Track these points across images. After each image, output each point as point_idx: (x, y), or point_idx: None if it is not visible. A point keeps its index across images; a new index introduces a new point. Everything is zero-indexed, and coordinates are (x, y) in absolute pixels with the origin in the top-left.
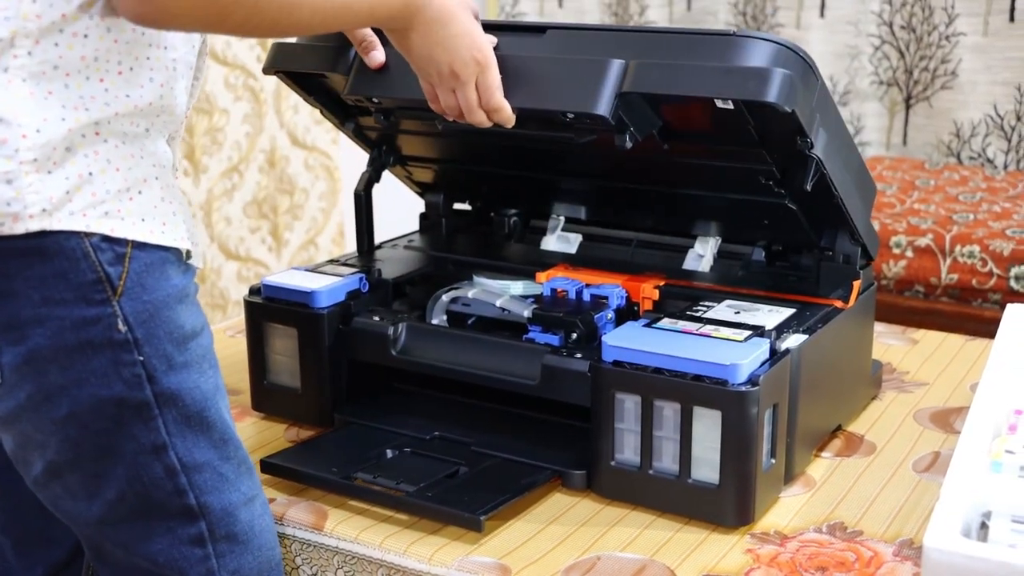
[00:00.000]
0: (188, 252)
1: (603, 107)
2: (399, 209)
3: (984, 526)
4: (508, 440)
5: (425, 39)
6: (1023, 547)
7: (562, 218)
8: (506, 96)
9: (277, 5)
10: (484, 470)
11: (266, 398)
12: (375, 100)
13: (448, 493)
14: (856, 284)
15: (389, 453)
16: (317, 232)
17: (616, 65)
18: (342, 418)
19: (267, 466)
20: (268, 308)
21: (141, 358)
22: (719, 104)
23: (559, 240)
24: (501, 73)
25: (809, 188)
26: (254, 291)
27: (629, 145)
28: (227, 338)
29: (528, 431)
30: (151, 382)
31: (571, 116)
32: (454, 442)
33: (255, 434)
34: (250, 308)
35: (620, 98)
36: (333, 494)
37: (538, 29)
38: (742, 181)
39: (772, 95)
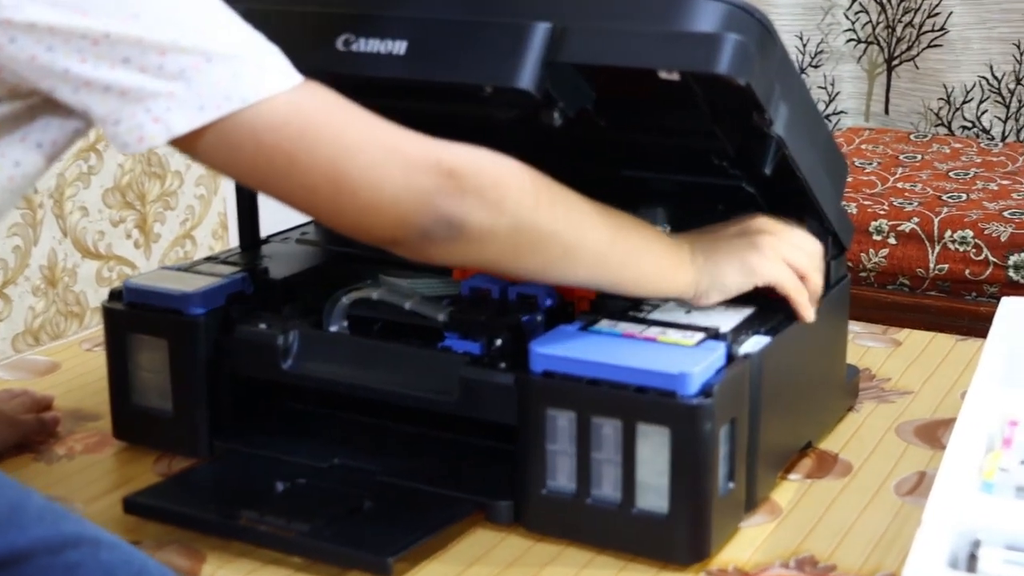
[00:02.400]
0: None
1: (526, 80)
2: None
3: (973, 556)
4: (421, 467)
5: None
6: None
7: None
8: (412, 66)
9: (590, 261)
10: (393, 504)
11: (131, 424)
12: None
13: (350, 532)
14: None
15: (280, 486)
16: (194, 224)
17: (541, 29)
18: (223, 446)
19: (132, 505)
20: (132, 316)
21: None
22: (663, 75)
23: None
24: (401, 37)
25: (769, 171)
26: (115, 295)
27: (559, 122)
28: (83, 352)
29: (445, 456)
30: None
31: (489, 90)
32: (357, 471)
33: (117, 467)
34: (111, 316)
35: (547, 68)
36: (213, 536)
37: None
38: (692, 162)
39: (723, 66)
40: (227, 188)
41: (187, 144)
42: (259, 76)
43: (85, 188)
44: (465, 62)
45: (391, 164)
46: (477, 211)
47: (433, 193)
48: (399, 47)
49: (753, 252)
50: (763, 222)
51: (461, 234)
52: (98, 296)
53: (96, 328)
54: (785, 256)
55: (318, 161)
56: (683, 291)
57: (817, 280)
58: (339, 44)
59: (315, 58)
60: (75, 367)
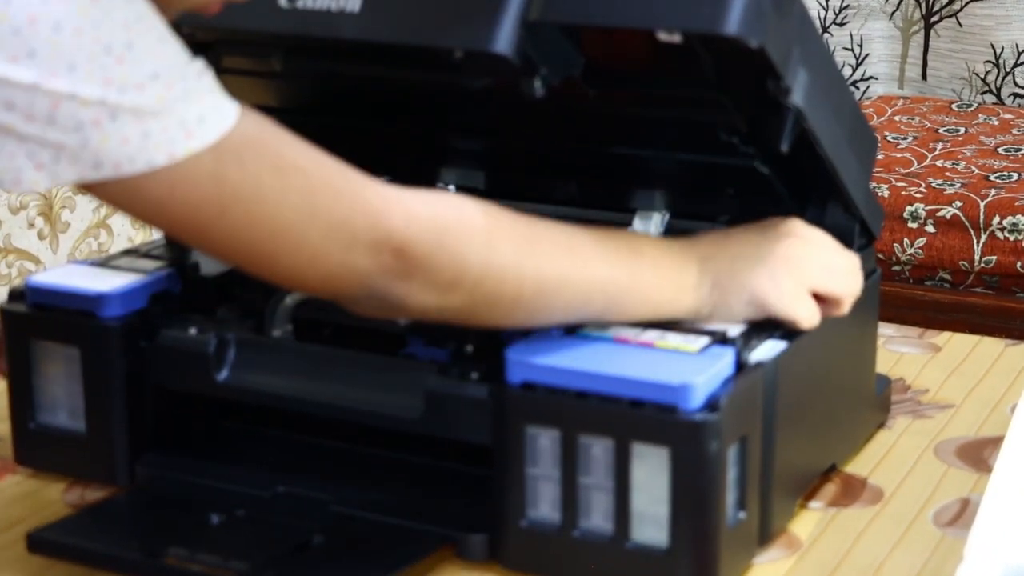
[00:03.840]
0: None
1: (502, 43)
2: None
3: None
4: (380, 496)
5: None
6: None
7: (452, 187)
8: (370, 25)
9: (568, 303)
10: (347, 538)
11: (36, 446)
12: (185, 31)
13: (297, 572)
14: None
15: (214, 518)
16: (109, 212)
17: None
18: (146, 471)
19: (38, 542)
20: (36, 319)
21: None
22: (662, 37)
23: None
24: None
25: (786, 148)
26: (16, 296)
27: (541, 92)
28: None
29: (408, 482)
30: None
31: (459, 55)
32: (305, 500)
33: (20, 498)
34: (10, 320)
35: (527, 29)
36: None
37: None
38: (696, 137)
39: (732, 26)
40: None
41: (86, 188)
42: (177, 135)
43: None
44: (430, 22)
45: (330, 244)
46: (420, 294)
47: (373, 275)
48: (352, 3)
49: (769, 283)
50: (792, 232)
51: (400, 311)
52: None
53: None
54: (812, 285)
55: (239, 239)
56: (681, 318)
57: (848, 306)
58: (282, 0)
59: (252, 17)
60: None
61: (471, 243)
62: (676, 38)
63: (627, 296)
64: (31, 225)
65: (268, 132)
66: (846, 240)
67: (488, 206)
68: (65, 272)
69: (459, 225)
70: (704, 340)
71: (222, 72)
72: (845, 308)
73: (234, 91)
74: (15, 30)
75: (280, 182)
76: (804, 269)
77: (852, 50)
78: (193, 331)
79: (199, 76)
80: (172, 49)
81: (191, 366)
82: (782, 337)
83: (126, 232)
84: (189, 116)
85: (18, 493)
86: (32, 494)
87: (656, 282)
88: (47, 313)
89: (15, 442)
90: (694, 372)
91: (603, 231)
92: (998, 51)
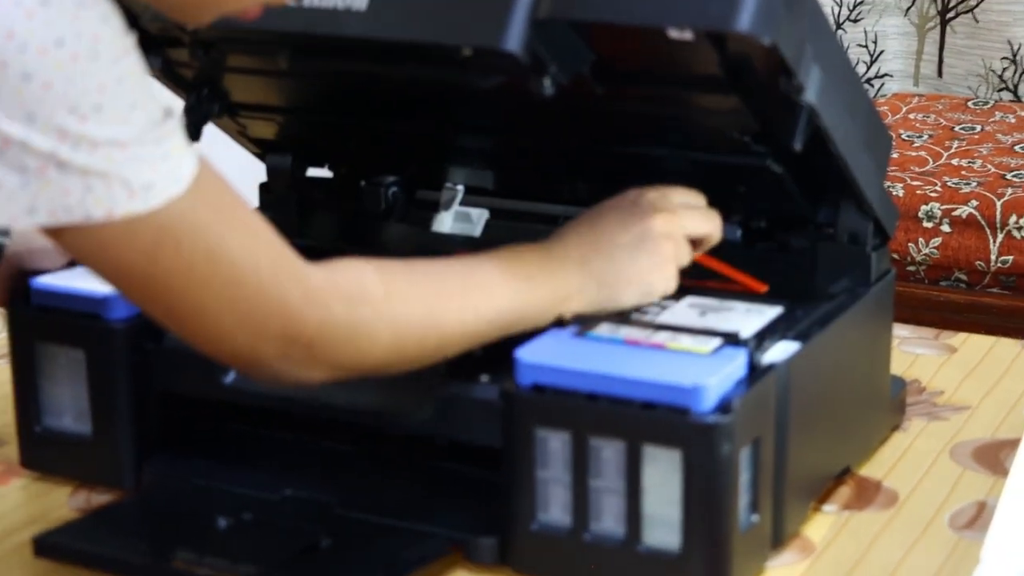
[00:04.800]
0: None
1: (512, 40)
2: (230, 176)
3: None
4: (388, 498)
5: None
6: None
7: (461, 187)
8: (377, 23)
9: (464, 342)
10: (355, 541)
11: (42, 450)
12: (191, 29)
13: (305, 575)
14: None
15: (222, 522)
16: None
17: None
18: (153, 474)
19: (44, 547)
20: (40, 321)
21: None
22: (673, 34)
23: (457, 218)
24: None
25: (799, 146)
26: (17, 294)
27: (550, 90)
28: None
29: (416, 485)
30: None
31: (467, 53)
32: (312, 503)
33: (25, 502)
34: (13, 321)
35: (536, 27)
36: None
37: None
38: (708, 136)
39: (744, 23)
40: None
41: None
42: (119, 195)
43: None
44: (438, 19)
45: (243, 331)
46: (322, 375)
47: (278, 362)
48: (359, 1)
49: (654, 271)
50: (650, 206)
51: (303, 385)
52: None
53: None
54: (687, 233)
55: (157, 307)
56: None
57: (719, 234)
58: None
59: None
60: None
61: (377, 326)
62: (687, 35)
63: (523, 318)
64: None
65: (213, 208)
66: (860, 238)
67: (386, 268)
68: (68, 274)
69: (365, 308)
70: (716, 341)
71: (227, 70)
72: (715, 239)
73: (237, 88)
74: None
75: (209, 269)
76: (678, 241)
77: (866, 47)
78: None
79: (160, 141)
80: (141, 113)
81: (197, 368)
82: (795, 338)
83: None
84: (137, 180)
85: (24, 497)
86: (38, 497)
87: (549, 297)
88: (51, 315)
89: (21, 446)
90: (706, 374)
91: (493, 259)
92: (1015, 48)
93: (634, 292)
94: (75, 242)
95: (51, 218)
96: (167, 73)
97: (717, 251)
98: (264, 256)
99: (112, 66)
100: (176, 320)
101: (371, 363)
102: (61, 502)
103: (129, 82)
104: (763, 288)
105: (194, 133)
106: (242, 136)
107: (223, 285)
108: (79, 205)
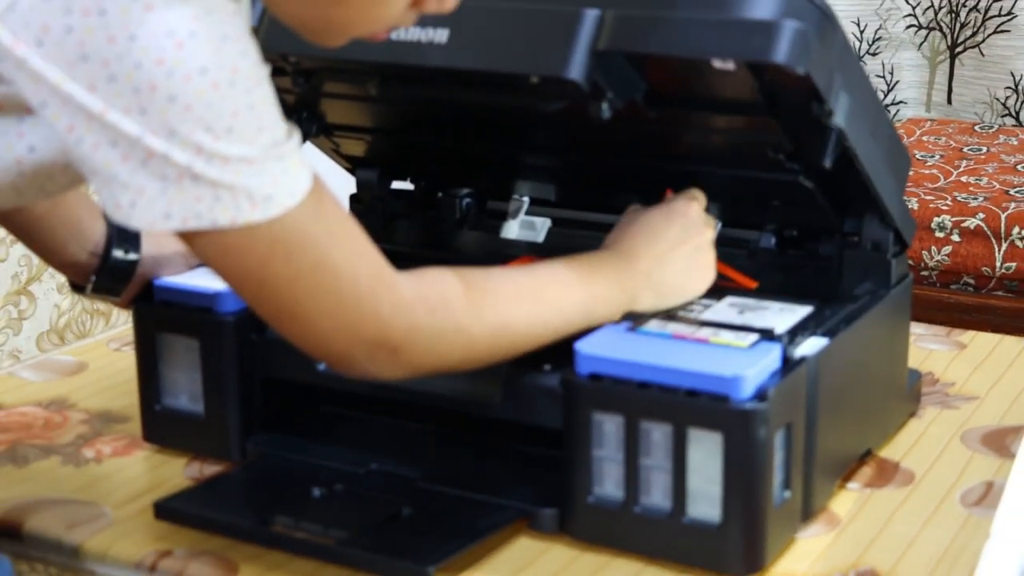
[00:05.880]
0: None
1: (575, 70)
2: None
3: None
4: (462, 473)
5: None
6: None
7: (526, 199)
8: (456, 54)
9: (532, 342)
10: (433, 511)
11: (161, 426)
12: (292, 59)
13: (389, 540)
14: None
15: (315, 492)
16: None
17: (590, 17)
18: (256, 449)
19: (163, 511)
20: (161, 314)
21: None
22: (717, 65)
23: (523, 226)
24: (443, 25)
25: (828, 164)
26: (144, 293)
27: (607, 114)
28: (111, 352)
29: (487, 462)
30: None
31: (535, 80)
32: (396, 477)
33: (147, 471)
34: (139, 314)
35: (595, 58)
36: (246, 544)
37: None
38: (746, 155)
39: (781, 54)
40: None
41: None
42: (243, 205)
43: None
44: (509, 51)
45: (337, 335)
46: (401, 373)
47: (367, 363)
48: (440, 35)
49: (701, 281)
50: (687, 215)
51: (383, 379)
52: None
53: (123, 327)
54: (712, 257)
55: (264, 307)
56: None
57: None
58: None
59: (352, 48)
60: (102, 367)
61: (455, 336)
62: (730, 65)
63: (587, 325)
64: None
65: (322, 222)
66: (882, 246)
67: (467, 278)
68: (188, 274)
69: (447, 317)
70: (753, 337)
71: (323, 95)
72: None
73: (332, 111)
74: (135, 89)
75: (313, 280)
76: (709, 236)
77: (884, 77)
78: None
79: (281, 159)
80: (267, 134)
81: (295, 357)
82: (824, 334)
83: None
84: (259, 193)
85: (145, 467)
86: (157, 468)
87: (613, 310)
88: (170, 309)
89: (144, 423)
90: (745, 365)
91: (566, 270)
92: (1017, 78)
93: (681, 299)
94: (202, 245)
95: (183, 223)
96: None
97: (756, 257)
98: (363, 269)
99: (245, 95)
100: (280, 320)
101: (446, 366)
102: (177, 472)
103: (259, 108)
104: (753, 284)
105: None
106: (335, 153)
107: (325, 293)
108: (208, 212)
